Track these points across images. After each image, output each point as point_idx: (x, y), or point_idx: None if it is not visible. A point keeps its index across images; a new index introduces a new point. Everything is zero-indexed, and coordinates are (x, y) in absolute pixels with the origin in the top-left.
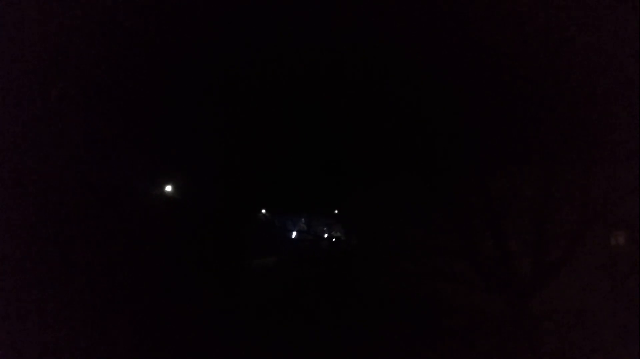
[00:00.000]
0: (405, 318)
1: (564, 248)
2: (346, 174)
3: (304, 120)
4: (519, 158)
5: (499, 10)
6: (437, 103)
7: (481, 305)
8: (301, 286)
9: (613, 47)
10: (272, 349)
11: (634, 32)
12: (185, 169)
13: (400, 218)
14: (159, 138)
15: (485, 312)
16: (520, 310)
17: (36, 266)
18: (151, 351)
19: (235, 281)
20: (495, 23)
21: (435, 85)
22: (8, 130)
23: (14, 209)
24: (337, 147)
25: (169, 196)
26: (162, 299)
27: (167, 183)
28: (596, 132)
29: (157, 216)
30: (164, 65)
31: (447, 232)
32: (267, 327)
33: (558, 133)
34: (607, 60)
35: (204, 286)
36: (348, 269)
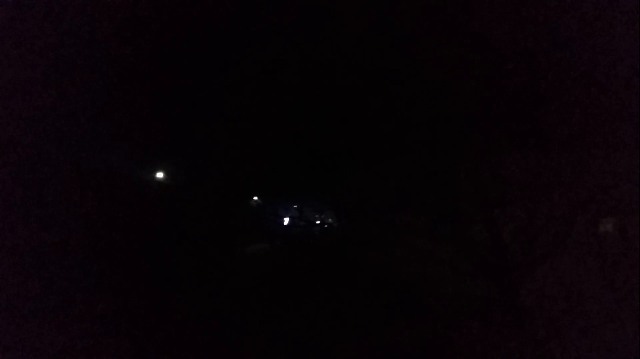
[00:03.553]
0: (396, 303)
1: (555, 235)
2: (338, 161)
3: (295, 107)
4: (511, 144)
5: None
6: (430, 88)
7: (471, 291)
8: (295, 272)
9: (607, 37)
10: (266, 337)
11: (632, 26)
12: (175, 156)
13: (391, 204)
14: (150, 126)
15: (475, 297)
16: (510, 296)
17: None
18: (141, 340)
19: (229, 268)
20: (489, 12)
21: (427, 71)
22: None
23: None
24: (328, 133)
25: (159, 183)
26: (153, 290)
27: (158, 170)
28: (590, 119)
29: (147, 204)
30: (154, 54)
31: (438, 218)
32: (261, 315)
33: (551, 120)
34: (601, 50)
35: (196, 275)
36: (340, 254)
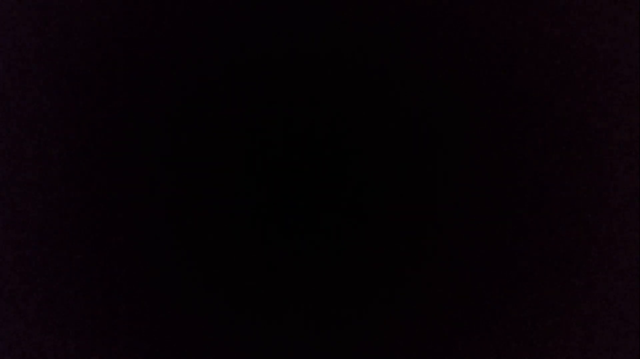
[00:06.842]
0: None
1: (560, 242)
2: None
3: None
4: (515, 154)
5: (494, 7)
6: (428, 98)
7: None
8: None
9: (607, 36)
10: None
11: (632, 26)
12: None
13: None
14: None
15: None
16: (510, 295)
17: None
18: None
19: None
20: (490, 18)
21: (421, 79)
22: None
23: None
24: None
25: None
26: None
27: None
28: (590, 119)
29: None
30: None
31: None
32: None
33: (556, 130)
34: (601, 48)
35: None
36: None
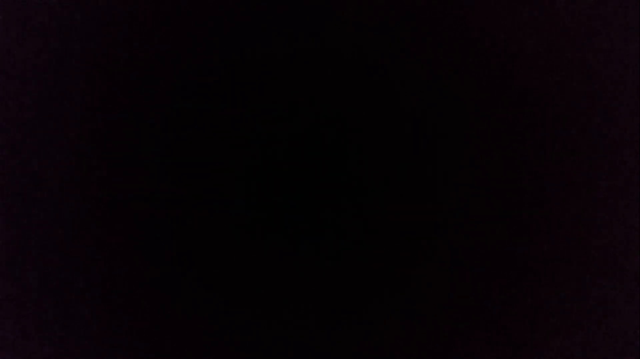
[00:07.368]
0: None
1: (560, 242)
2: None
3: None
4: (515, 154)
5: (494, 7)
6: (428, 97)
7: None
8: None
9: (607, 36)
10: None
11: (632, 26)
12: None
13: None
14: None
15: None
16: (509, 295)
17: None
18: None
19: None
20: (488, 11)
21: (421, 79)
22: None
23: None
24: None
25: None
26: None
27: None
28: (590, 119)
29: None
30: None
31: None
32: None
33: (556, 128)
34: (601, 49)
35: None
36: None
